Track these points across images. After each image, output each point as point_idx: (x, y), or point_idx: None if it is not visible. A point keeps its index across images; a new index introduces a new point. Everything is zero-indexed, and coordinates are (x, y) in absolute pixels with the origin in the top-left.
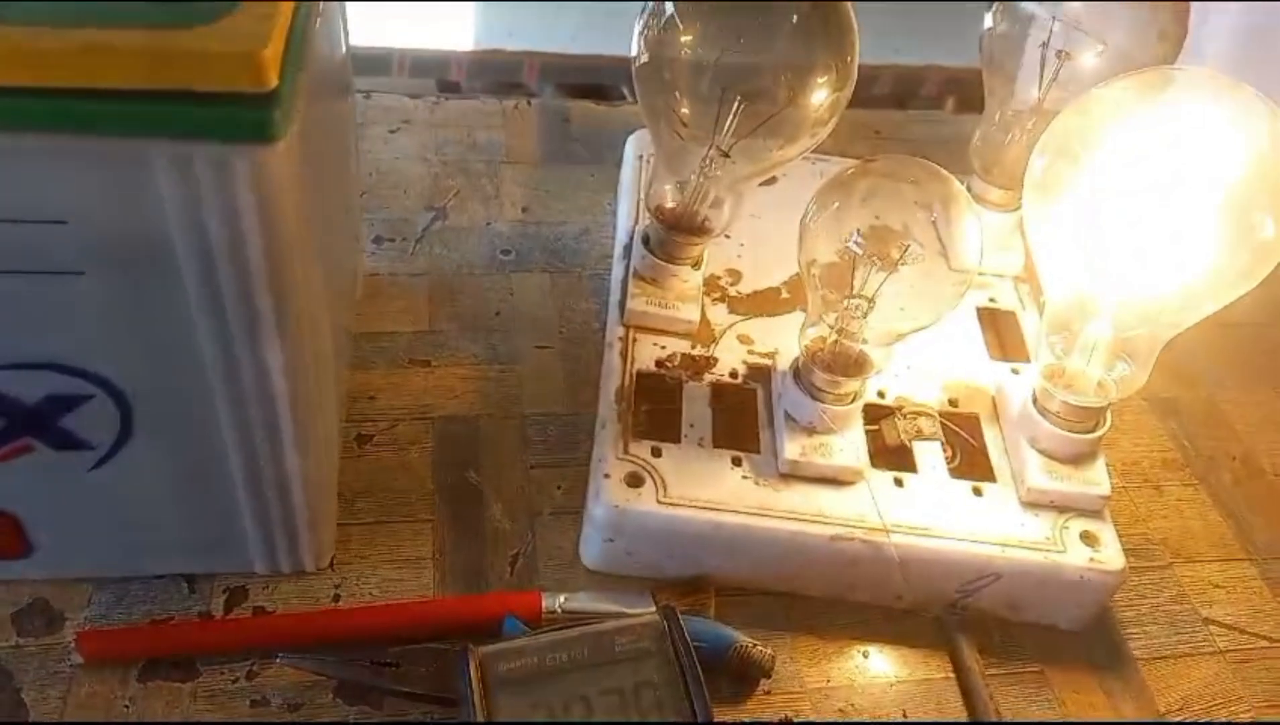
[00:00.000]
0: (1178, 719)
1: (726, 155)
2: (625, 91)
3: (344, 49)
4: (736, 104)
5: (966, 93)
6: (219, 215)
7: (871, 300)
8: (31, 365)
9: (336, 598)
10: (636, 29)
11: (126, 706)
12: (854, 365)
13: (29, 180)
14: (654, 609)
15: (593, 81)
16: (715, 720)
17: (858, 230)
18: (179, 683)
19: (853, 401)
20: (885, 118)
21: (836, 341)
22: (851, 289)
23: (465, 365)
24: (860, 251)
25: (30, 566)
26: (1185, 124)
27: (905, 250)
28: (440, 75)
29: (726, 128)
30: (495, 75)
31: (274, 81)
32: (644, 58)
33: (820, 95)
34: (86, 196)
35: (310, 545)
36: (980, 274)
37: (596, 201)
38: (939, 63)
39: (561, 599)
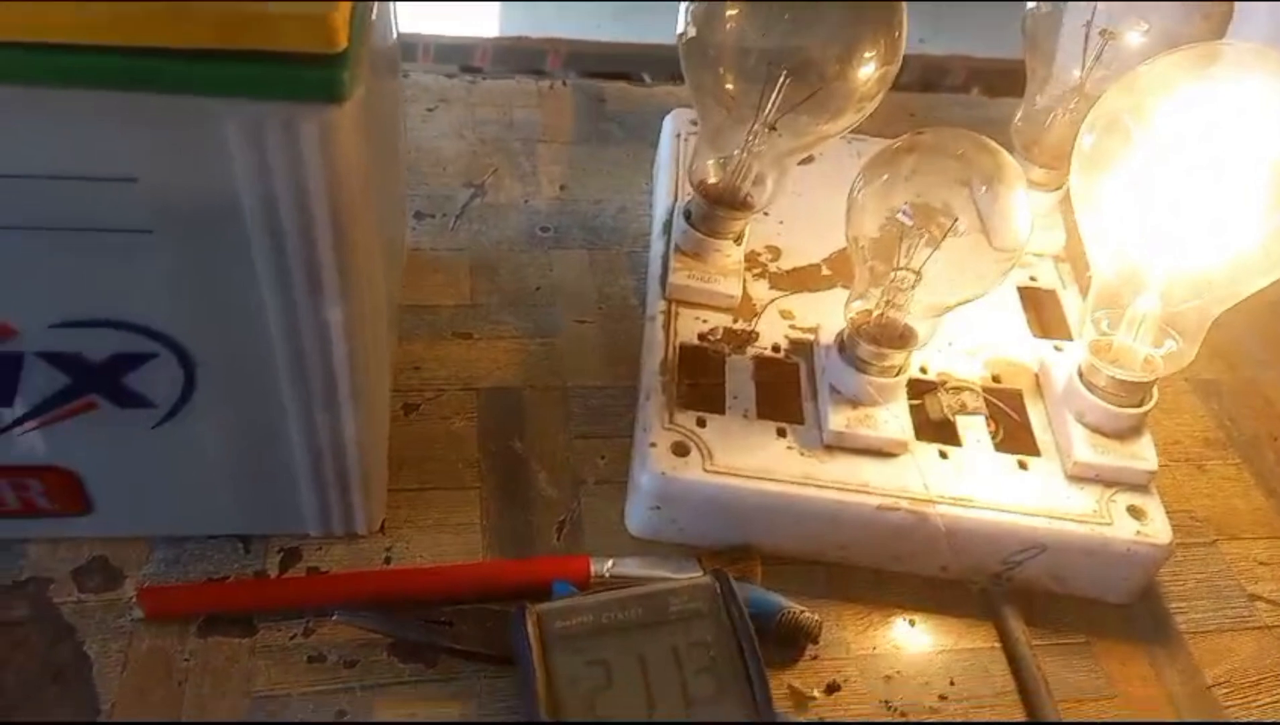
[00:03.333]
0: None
1: (773, 128)
2: (646, 78)
3: (394, 30)
4: (783, 78)
5: (992, 82)
6: (286, 174)
7: (918, 273)
8: (98, 323)
9: (388, 560)
10: (683, 4)
11: (187, 660)
12: (899, 338)
13: (101, 138)
14: (704, 573)
15: (616, 70)
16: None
17: (906, 202)
18: (238, 638)
19: (897, 374)
20: (919, 100)
21: (882, 314)
22: (898, 262)
23: (507, 338)
24: (909, 223)
25: (90, 524)
26: (1235, 98)
27: (953, 223)
28: (464, 62)
29: (772, 102)
30: (519, 62)
31: (343, 43)
32: (691, 32)
33: (868, 70)
34: (157, 155)
35: (363, 508)
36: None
37: (633, 180)
38: (964, 53)
39: (609, 564)
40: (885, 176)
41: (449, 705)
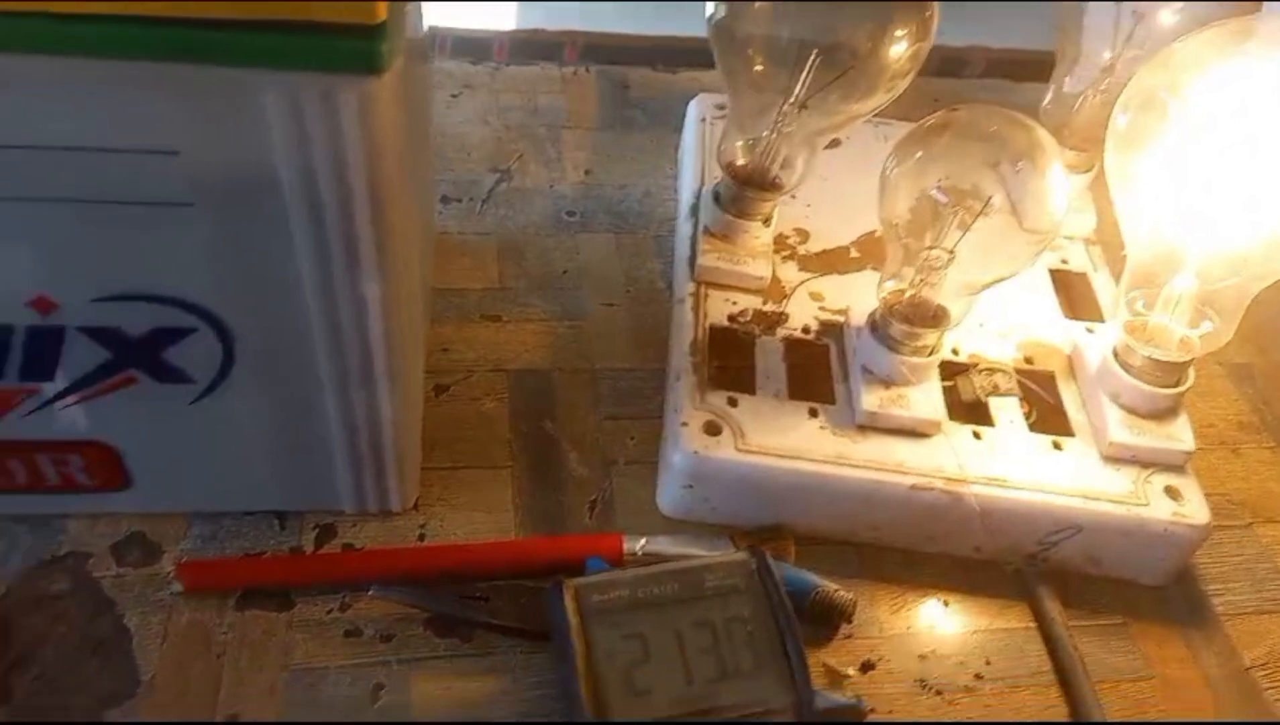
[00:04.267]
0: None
1: (804, 107)
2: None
3: (422, 17)
4: (814, 57)
5: (1010, 72)
6: (325, 146)
7: (952, 251)
8: (138, 297)
9: (421, 537)
10: None
11: (225, 634)
12: (932, 317)
13: (143, 110)
14: (740, 549)
15: (633, 64)
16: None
17: (940, 180)
18: (275, 612)
19: (930, 354)
20: (943, 86)
21: (915, 294)
22: (932, 240)
23: (535, 321)
24: (943, 201)
25: (128, 499)
26: (1270, 74)
27: (988, 200)
28: (481, 55)
29: (803, 82)
30: (536, 55)
31: (382, 14)
32: (721, 13)
33: (899, 47)
34: (197, 127)
35: (397, 485)
36: None
37: (657, 166)
38: (982, 43)
39: (642, 542)
40: (919, 154)
41: (484, 679)
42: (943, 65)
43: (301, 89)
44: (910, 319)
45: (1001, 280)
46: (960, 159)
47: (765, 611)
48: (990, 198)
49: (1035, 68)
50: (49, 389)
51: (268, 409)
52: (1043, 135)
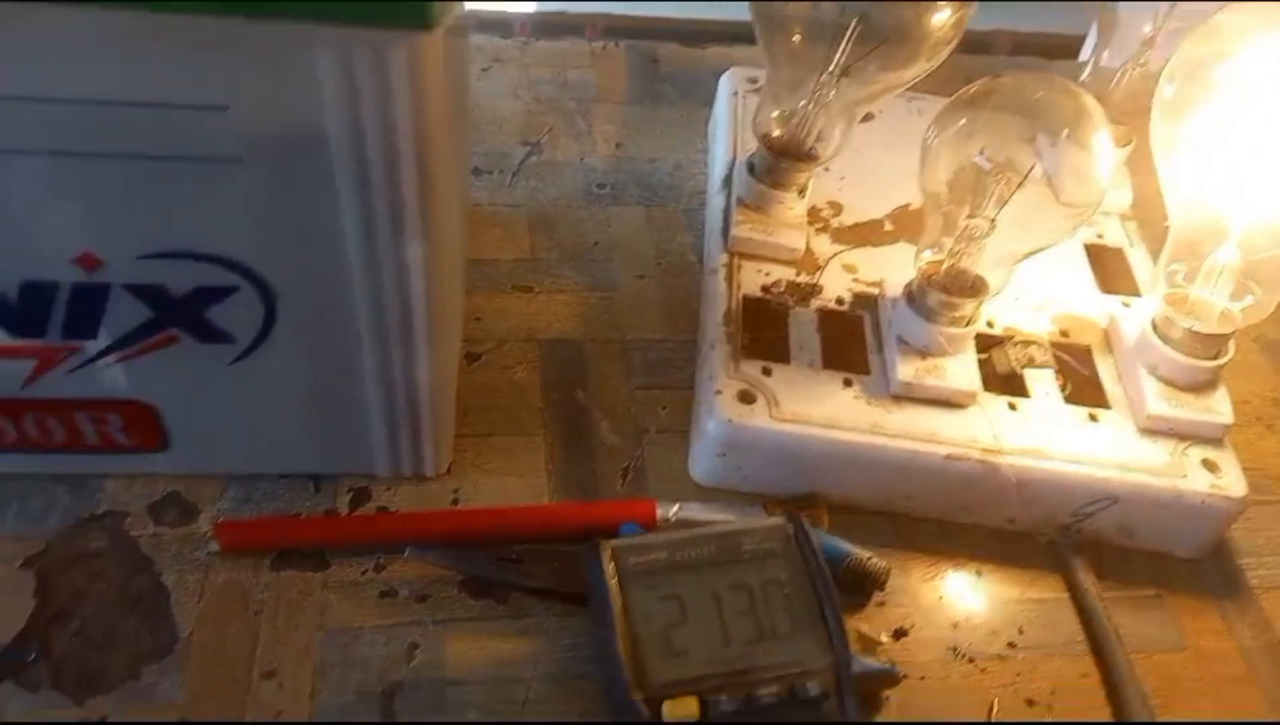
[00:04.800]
0: None
1: (845, 74)
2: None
3: None
4: (854, 25)
5: (1038, 53)
6: (374, 102)
7: (993, 220)
8: (183, 255)
9: (455, 502)
10: None
11: (262, 593)
12: (970, 288)
13: (193, 65)
14: (777, 515)
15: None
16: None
17: (983, 147)
18: (311, 573)
19: (967, 325)
20: (976, 62)
21: (954, 264)
22: (973, 210)
23: (566, 291)
24: (987, 167)
25: (165, 460)
26: None
27: (1031, 169)
28: (502, 35)
29: (843, 50)
30: (557, 36)
31: None
32: None
33: (943, 14)
34: (248, 82)
35: (432, 450)
36: None
37: (687, 140)
38: (1006, 27)
39: (675, 508)
40: (962, 121)
41: (519, 640)
42: (967, 48)
43: (353, 44)
44: (948, 289)
45: (1042, 250)
46: (1004, 126)
47: (802, 575)
48: (1033, 166)
49: (1061, 50)
50: (91, 347)
51: (307, 370)
52: (1089, 101)
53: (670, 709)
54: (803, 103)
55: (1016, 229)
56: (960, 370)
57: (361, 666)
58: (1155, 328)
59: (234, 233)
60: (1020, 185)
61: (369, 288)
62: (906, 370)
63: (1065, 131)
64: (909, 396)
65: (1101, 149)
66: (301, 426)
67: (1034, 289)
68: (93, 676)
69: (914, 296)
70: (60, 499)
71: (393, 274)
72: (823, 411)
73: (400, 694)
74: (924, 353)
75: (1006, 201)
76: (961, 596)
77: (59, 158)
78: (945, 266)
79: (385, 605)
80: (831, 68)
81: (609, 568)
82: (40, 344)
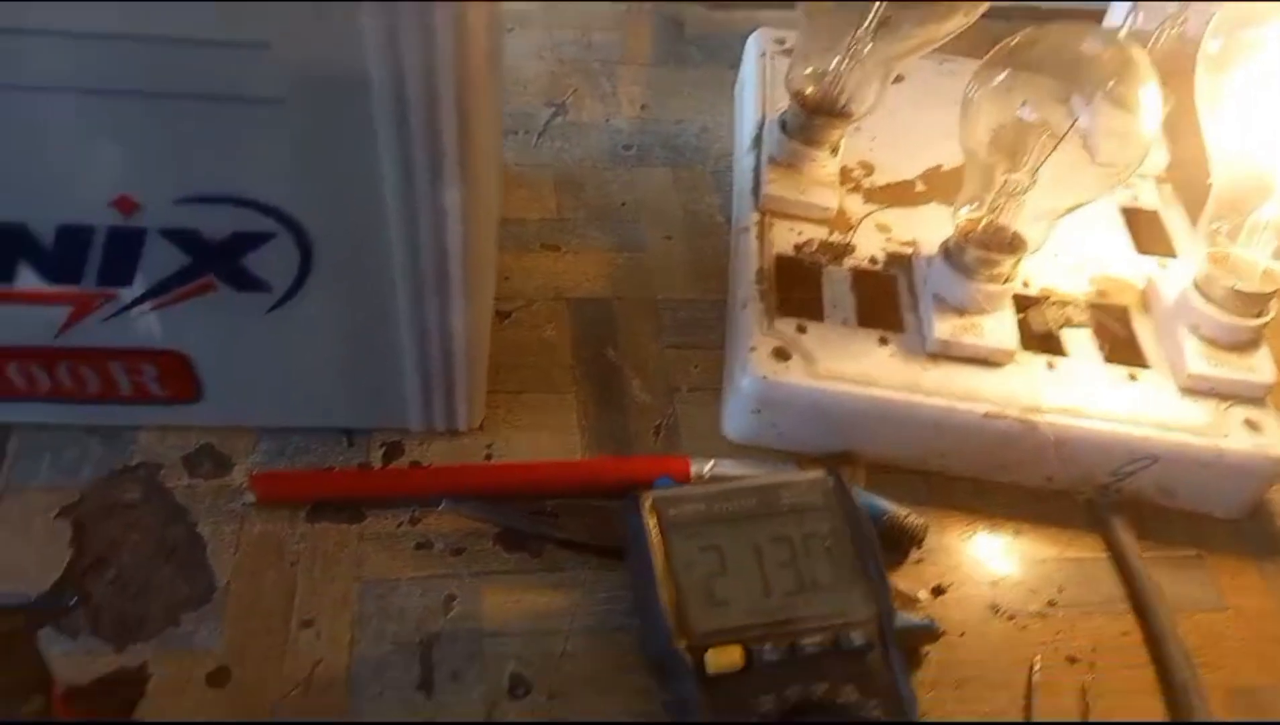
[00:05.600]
0: None
1: (882, 26)
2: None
3: None
4: None
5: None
6: (416, 45)
7: (1034, 175)
8: (222, 199)
9: (488, 457)
10: None
11: (298, 544)
12: (1009, 244)
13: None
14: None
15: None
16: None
17: (1025, 100)
18: (346, 524)
19: (1005, 282)
20: (1007, 29)
21: (993, 220)
22: (1014, 164)
23: (594, 251)
24: (1030, 119)
25: (198, 412)
26: None
27: (1074, 121)
28: None
29: (878, 4)
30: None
31: None
32: None
33: None
34: (290, 20)
35: (465, 404)
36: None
37: (713, 103)
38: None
39: (710, 464)
40: (1004, 74)
41: (555, 593)
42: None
43: None
44: (986, 245)
45: (1083, 205)
46: (1045, 79)
47: (843, 528)
48: (1075, 120)
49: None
50: (126, 295)
51: (342, 319)
52: (1135, 52)
53: (714, 658)
54: (837, 59)
55: (1057, 184)
56: (998, 328)
57: (398, 618)
58: (1197, 287)
59: (272, 176)
60: (1062, 139)
61: (406, 234)
62: (943, 328)
63: (1110, 84)
64: (946, 354)
65: (1149, 101)
66: (335, 378)
67: (1070, 251)
68: (131, 624)
69: (951, 253)
70: (94, 450)
71: (430, 220)
72: (858, 368)
73: (438, 645)
74: (961, 311)
75: (1048, 156)
76: (999, 555)
77: (97, 96)
78: (984, 223)
79: (421, 558)
80: (868, 22)
81: (649, 518)
82: (75, 291)
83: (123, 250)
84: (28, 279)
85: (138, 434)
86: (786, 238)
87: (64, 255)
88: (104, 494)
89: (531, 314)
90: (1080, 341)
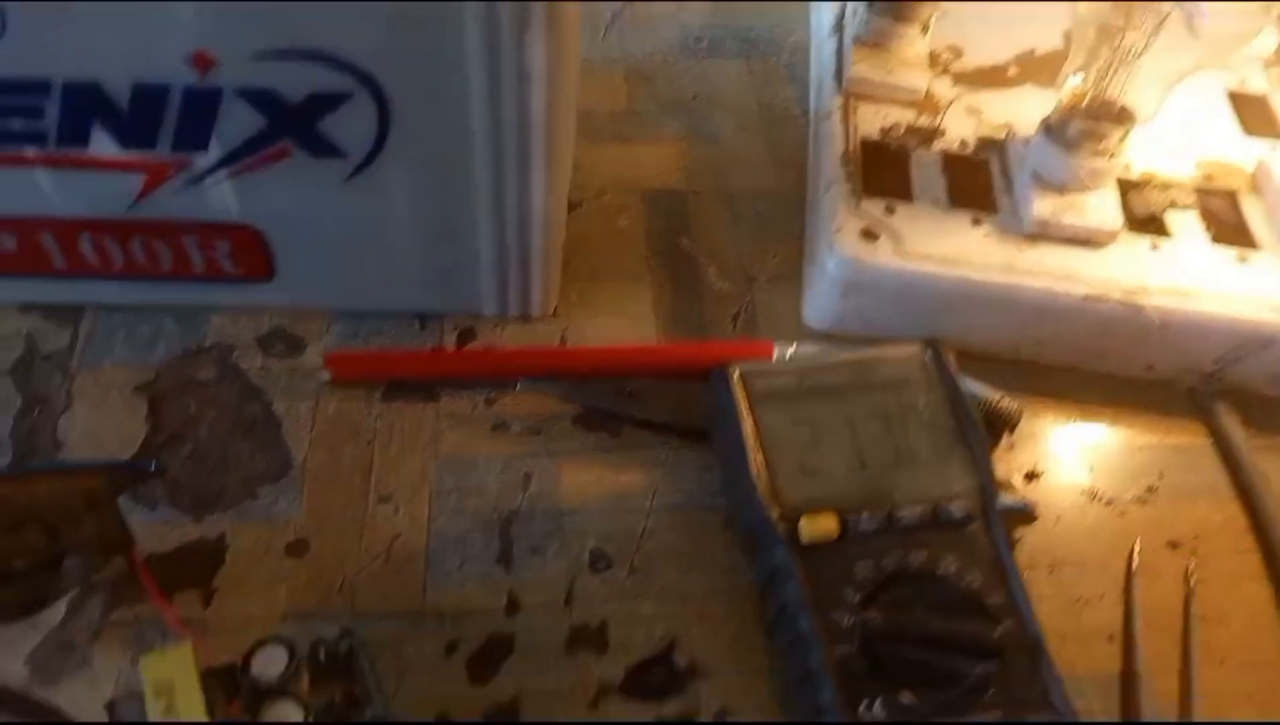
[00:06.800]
0: None
1: None
2: None
3: None
4: None
5: None
6: None
7: (1147, 39)
8: (302, 54)
9: (562, 342)
10: None
11: (374, 422)
12: (1116, 116)
13: None
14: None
15: None
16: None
17: None
18: (421, 404)
19: (1111, 158)
20: None
21: (1100, 91)
22: (1126, 27)
23: (666, 143)
24: None
25: (271, 291)
26: None
27: None
28: None
29: None
30: None
31: None
32: None
33: None
34: None
35: (540, 288)
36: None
37: None
38: None
39: (793, 348)
40: None
41: (636, 472)
42: None
43: None
44: (1095, 116)
45: (1197, 71)
46: None
47: (941, 401)
48: None
49: None
50: (201, 162)
51: (419, 193)
52: None
53: (808, 527)
54: None
55: (1171, 49)
56: (1100, 206)
57: (477, 494)
58: None
59: (352, 31)
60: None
61: (488, 97)
62: (1043, 207)
63: None
64: (1044, 235)
65: None
66: (410, 258)
67: (1174, 135)
68: (209, 496)
69: (1054, 128)
70: (167, 329)
71: (513, 84)
72: (951, 249)
73: (516, 521)
74: (1062, 189)
75: (1164, 19)
76: (1096, 441)
77: None
78: (1090, 95)
79: (497, 438)
80: None
81: (738, 391)
82: (149, 157)
83: (198, 112)
84: (102, 144)
85: (210, 316)
86: (872, 121)
87: (138, 117)
88: (179, 372)
89: (603, 205)
90: (1185, 223)
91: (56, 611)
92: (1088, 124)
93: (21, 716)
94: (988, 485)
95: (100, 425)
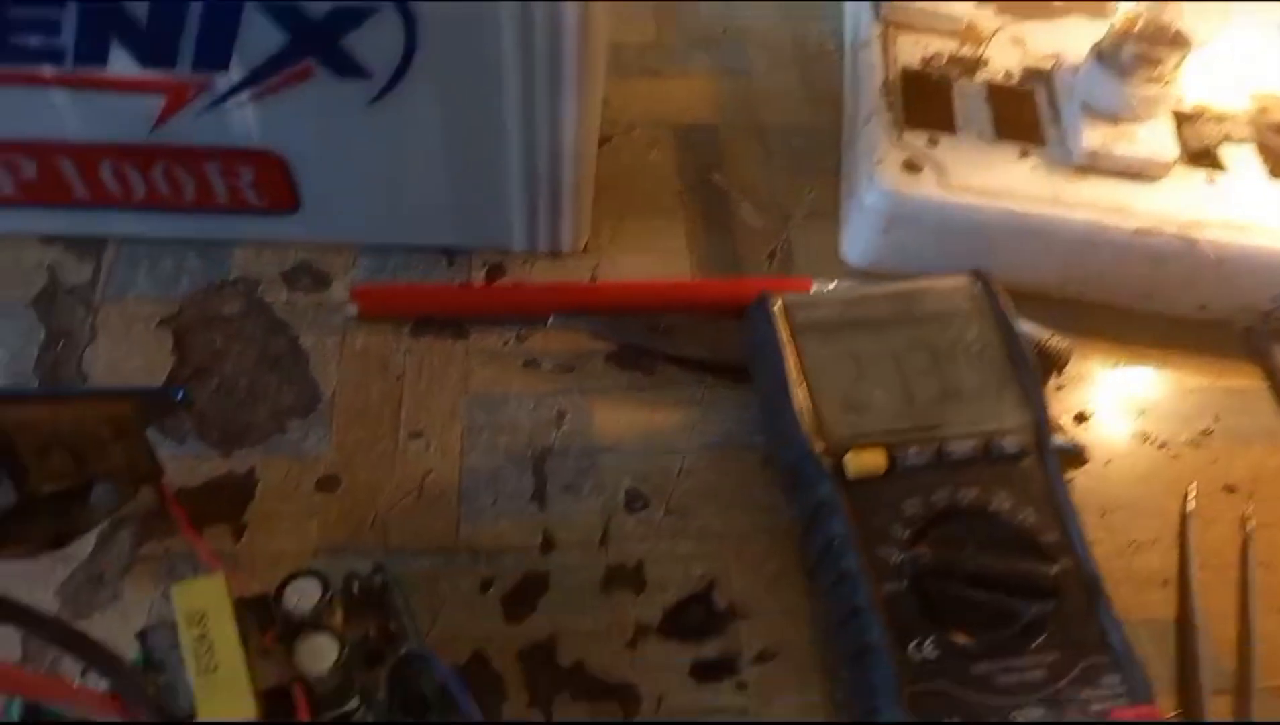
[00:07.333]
0: None
1: None
2: None
3: None
4: None
5: None
6: None
7: None
8: None
9: (593, 279)
10: None
11: (403, 357)
12: (1171, 40)
13: None
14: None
15: None
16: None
17: None
18: (451, 340)
19: (1165, 85)
20: None
21: (1154, 16)
22: None
23: (697, 77)
24: None
25: (295, 225)
26: None
27: None
28: None
29: None
30: None
31: None
32: None
33: None
34: None
35: (571, 223)
36: None
37: None
38: None
39: (832, 285)
40: None
41: (671, 411)
42: None
43: None
44: (1150, 39)
45: None
46: None
47: (990, 333)
48: None
49: None
50: (222, 83)
51: (446, 117)
52: None
53: (855, 461)
54: None
55: None
56: (1153, 137)
57: (509, 430)
58: None
59: None
60: None
61: (519, 18)
62: (1093, 137)
63: None
64: (1094, 167)
65: None
66: (437, 190)
67: (1227, 67)
68: (237, 430)
69: (1105, 55)
70: (190, 263)
71: (545, 10)
72: (996, 181)
73: (550, 458)
74: (1114, 118)
75: None
76: (1148, 383)
77: None
78: (1145, 18)
79: (529, 374)
80: None
81: (780, 322)
82: (170, 77)
83: (219, 27)
84: (121, 62)
85: (233, 251)
86: (912, 52)
87: (158, 32)
88: (203, 306)
89: (632, 140)
90: (1242, 156)
91: (86, 544)
92: (1142, 48)
93: (55, 640)
94: (1042, 420)
95: (125, 358)
